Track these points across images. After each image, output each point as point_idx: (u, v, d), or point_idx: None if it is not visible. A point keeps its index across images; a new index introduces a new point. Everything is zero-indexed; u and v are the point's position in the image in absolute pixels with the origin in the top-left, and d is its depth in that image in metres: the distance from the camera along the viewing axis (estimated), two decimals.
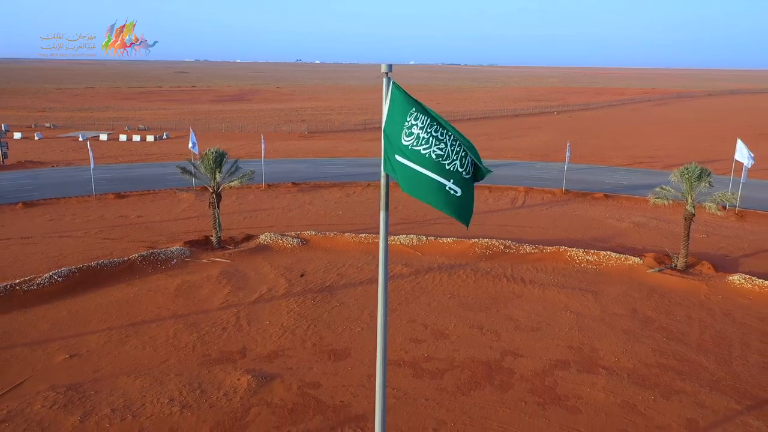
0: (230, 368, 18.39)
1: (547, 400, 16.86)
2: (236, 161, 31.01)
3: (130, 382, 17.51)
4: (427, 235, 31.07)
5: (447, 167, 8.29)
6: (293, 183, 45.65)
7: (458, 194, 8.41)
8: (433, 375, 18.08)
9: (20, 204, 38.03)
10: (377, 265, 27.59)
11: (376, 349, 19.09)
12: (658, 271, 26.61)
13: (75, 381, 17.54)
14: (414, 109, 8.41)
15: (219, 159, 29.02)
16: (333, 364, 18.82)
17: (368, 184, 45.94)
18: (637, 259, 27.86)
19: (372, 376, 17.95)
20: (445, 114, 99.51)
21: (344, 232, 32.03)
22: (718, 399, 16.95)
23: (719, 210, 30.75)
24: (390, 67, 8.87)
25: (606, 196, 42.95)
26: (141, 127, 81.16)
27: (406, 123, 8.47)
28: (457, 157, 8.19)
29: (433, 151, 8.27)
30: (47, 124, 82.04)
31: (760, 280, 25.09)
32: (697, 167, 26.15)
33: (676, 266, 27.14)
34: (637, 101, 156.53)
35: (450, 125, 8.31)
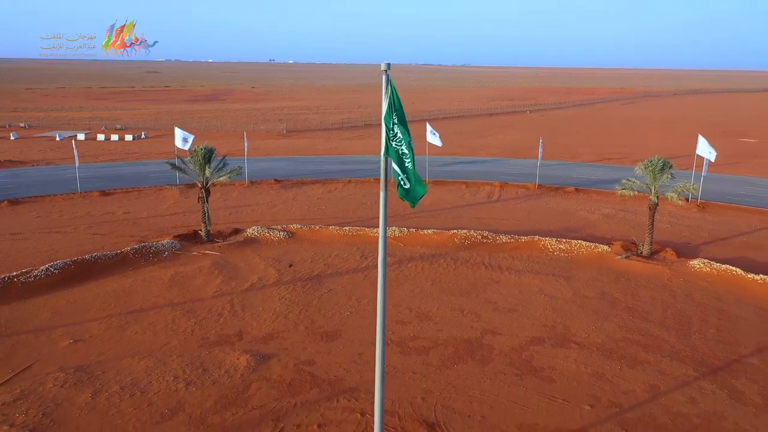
0: (229, 349, 19.56)
1: (524, 371, 18.40)
2: (224, 158, 32.00)
3: (134, 363, 18.57)
4: (408, 227, 32.51)
5: (405, 164, 9.94)
6: (276, 180, 46.68)
7: (406, 186, 10.16)
8: (419, 352, 19.49)
9: (5, 202, 38.41)
10: (364, 255, 29.02)
11: (364, 330, 20.67)
12: (625, 257, 28.44)
13: (82, 363, 18.52)
14: (398, 109, 9.93)
15: (208, 155, 30.04)
16: (325, 344, 20.11)
17: (349, 181, 47.22)
18: (605, 247, 29.68)
19: (363, 354, 19.31)
20: (420, 113, 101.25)
21: (329, 225, 33.30)
22: (678, 367, 18.69)
23: (681, 200, 32.80)
24: (389, 65, 10.27)
25: (577, 190, 44.92)
26: (118, 126, 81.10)
27: (394, 116, 9.95)
28: (412, 157, 9.92)
29: (402, 148, 9.89)
30: (22, 124, 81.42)
31: (717, 264, 27.09)
32: (660, 160, 28.05)
33: (641, 253, 29.01)
34: (606, 101, 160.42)
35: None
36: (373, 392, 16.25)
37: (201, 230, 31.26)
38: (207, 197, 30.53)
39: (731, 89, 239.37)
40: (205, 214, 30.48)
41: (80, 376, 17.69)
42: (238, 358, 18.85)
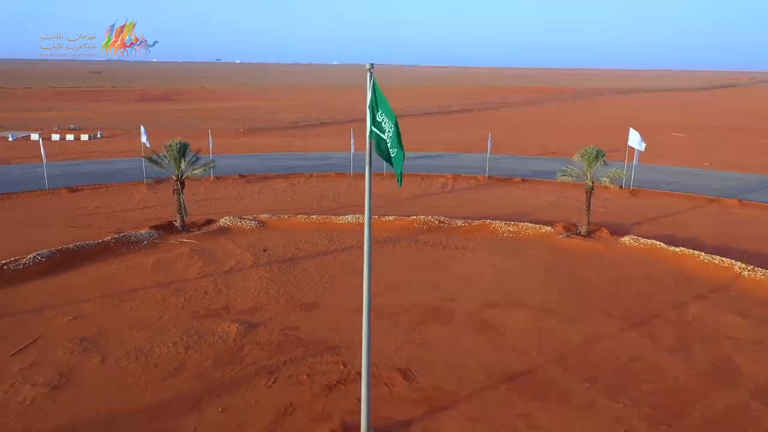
0: (219, 320, 21.80)
1: (480, 328, 21.38)
2: (197, 152, 33.90)
3: (135, 333, 20.60)
4: (378, 216, 35.15)
5: (393, 131, 12.41)
6: (240, 175, 48.57)
7: (394, 146, 12.45)
8: (390, 316, 22.20)
9: None
10: (332, 240, 31.57)
11: (339, 302, 23.36)
12: (566, 236, 31.93)
13: (85, 335, 20.42)
14: (383, 99, 12.54)
15: (182, 149, 31.93)
16: (305, 313, 22.59)
17: (311, 175, 49.56)
18: (549, 228, 33.13)
19: (339, 320, 21.89)
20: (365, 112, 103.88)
21: (296, 215, 35.65)
22: (609, 321, 22.04)
23: (614, 186, 36.63)
24: (372, 65, 12.91)
25: (523, 180, 48.59)
26: (72, 126, 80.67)
27: (383, 104, 12.56)
28: (392, 127, 12.34)
29: (387, 119, 12.41)
30: None
31: (644, 240, 30.88)
32: (593, 149, 31.65)
33: (580, 232, 32.58)
34: (549, 99, 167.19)
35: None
36: (353, 349, 19.06)
37: (176, 221, 33.09)
38: (182, 189, 32.41)
39: (668, 87, 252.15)
40: (180, 205, 32.36)
41: (86, 345, 19.63)
42: (228, 327, 21.12)
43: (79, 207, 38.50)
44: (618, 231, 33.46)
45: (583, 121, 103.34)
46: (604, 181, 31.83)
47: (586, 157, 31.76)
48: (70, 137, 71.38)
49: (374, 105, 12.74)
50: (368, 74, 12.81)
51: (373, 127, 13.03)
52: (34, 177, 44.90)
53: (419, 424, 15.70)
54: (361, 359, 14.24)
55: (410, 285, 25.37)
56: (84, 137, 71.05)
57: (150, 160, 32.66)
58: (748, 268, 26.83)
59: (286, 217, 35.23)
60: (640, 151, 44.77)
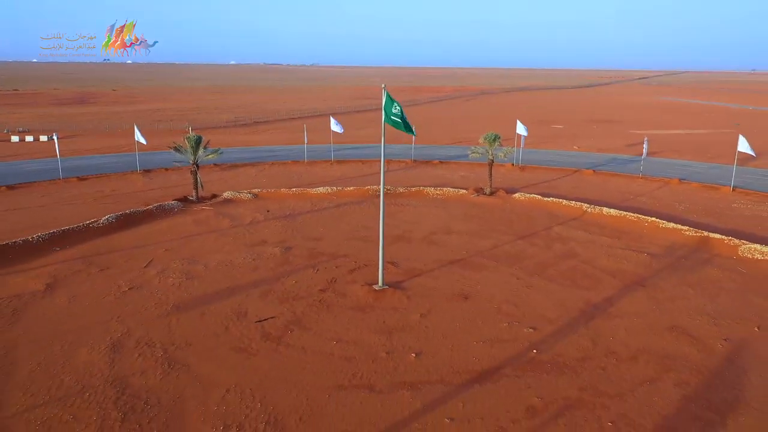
0: (264, 246, 33.48)
1: (429, 243, 34.55)
2: (207, 143, 44.66)
3: (215, 255, 31.91)
4: (333, 187, 47.57)
5: (402, 119, 25.24)
6: (215, 164, 59.01)
7: (407, 129, 25.32)
8: (370, 241, 34.82)
9: (3, 187, 47.32)
10: (313, 204, 43.67)
11: (337, 236, 36.78)
12: (476, 195, 45.91)
13: (183, 257, 31.46)
14: (394, 101, 25.33)
15: (198, 141, 42.77)
16: (317, 241, 34.73)
17: (273, 163, 60.94)
18: (464, 191, 47.04)
19: (341, 244, 34.21)
20: (297, 111, 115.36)
21: (280, 188, 47.34)
22: (506, 237, 35.92)
23: (506, 160, 51.13)
24: (384, 86, 25.59)
25: (440, 162, 62.65)
26: (20, 129, 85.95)
27: (393, 105, 25.33)
28: (405, 118, 25.24)
29: (397, 113, 25.19)
30: None
31: (528, 195, 45.54)
32: (493, 133, 45.87)
33: (486, 193, 46.69)
34: (451, 98, 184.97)
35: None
36: (355, 256, 31.59)
37: (190, 196, 43.80)
38: (198, 171, 43.20)
39: (551, 86, 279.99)
40: (197, 182, 43.16)
41: (189, 261, 30.79)
42: (273, 249, 32.90)
43: (96, 190, 47.86)
44: (511, 191, 47.95)
45: (480, 115, 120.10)
46: (501, 156, 46.16)
47: (487, 139, 45.91)
48: (29, 138, 77.51)
49: (388, 105, 25.40)
50: (383, 87, 25.51)
51: (393, 117, 25.62)
52: (31, 171, 53.08)
53: (406, 282, 28.52)
54: (363, 260, 26.89)
55: (377, 226, 37.97)
56: (43, 138, 77.39)
57: (176, 149, 43.12)
58: (591, 207, 41.93)
59: (272, 190, 46.83)
60: (525, 137, 60.00)
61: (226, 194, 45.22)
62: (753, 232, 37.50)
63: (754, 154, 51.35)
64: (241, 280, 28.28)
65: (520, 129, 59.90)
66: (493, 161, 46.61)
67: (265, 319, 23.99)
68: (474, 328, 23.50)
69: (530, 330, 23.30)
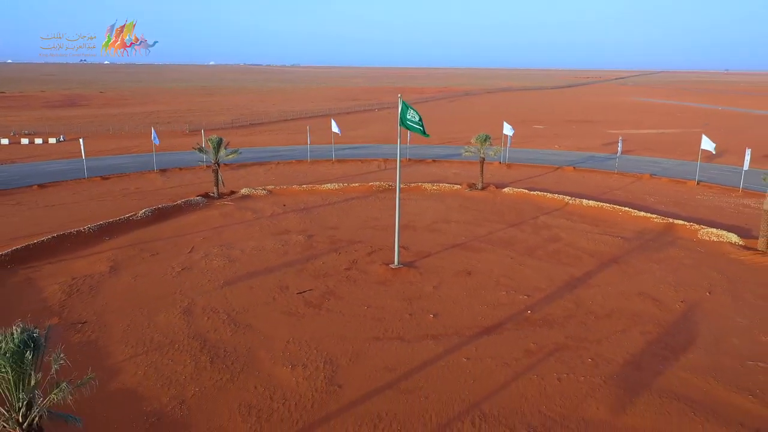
0: (289, 235, 38.14)
1: (432, 231, 39.51)
2: (227, 144, 49.08)
3: (247, 242, 36.51)
4: (340, 183, 52.36)
5: (420, 124, 30.24)
6: (225, 164, 63.24)
7: (422, 132, 30.30)
8: (380, 229, 39.63)
9: (35, 186, 51.26)
10: (324, 198, 48.43)
11: (351, 225, 42.28)
12: (469, 190, 51.00)
13: (221, 244, 36.01)
14: (410, 107, 30.28)
15: (219, 142, 47.25)
16: (334, 230, 39.47)
17: (278, 163, 65.47)
18: (458, 186, 52.12)
19: (356, 232, 38.99)
20: (285, 112, 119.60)
21: (291, 185, 51.97)
22: (499, 225, 41.02)
23: (494, 155, 56.29)
24: (400, 96, 30.50)
25: (434, 161, 67.72)
26: (26, 131, 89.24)
27: (408, 110, 30.27)
28: (422, 124, 30.23)
29: (415, 118, 30.16)
30: None
31: (516, 189, 50.74)
32: (484, 134, 50.98)
33: (478, 188, 51.80)
34: (436, 99, 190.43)
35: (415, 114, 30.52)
36: (371, 242, 36.43)
37: (212, 192, 48.23)
38: (219, 169, 47.66)
39: (531, 87, 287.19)
40: (218, 180, 47.63)
41: (227, 247, 35.36)
42: (297, 237, 37.58)
43: (122, 188, 52.03)
44: (500, 186, 53.13)
45: (463, 116, 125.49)
46: (491, 154, 51.32)
47: (479, 139, 51.03)
48: (38, 141, 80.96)
49: (404, 111, 30.28)
50: (399, 97, 30.40)
51: (409, 122, 30.47)
52: (52, 171, 56.99)
53: (417, 262, 33.40)
54: (377, 245, 31.80)
55: (386, 216, 42.98)
56: (52, 140, 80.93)
57: (200, 150, 47.52)
58: (572, 199, 47.24)
59: (284, 187, 51.47)
60: (510, 136, 65.30)
61: (244, 191, 49.74)
62: (712, 219, 43.09)
63: (714, 152, 57.11)
64: (276, 262, 32.96)
65: (507, 129, 65.17)
66: (484, 159, 51.74)
67: (304, 291, 28.74)
68: (478, 295, 28.50)
69: (524, 297, 28.36)
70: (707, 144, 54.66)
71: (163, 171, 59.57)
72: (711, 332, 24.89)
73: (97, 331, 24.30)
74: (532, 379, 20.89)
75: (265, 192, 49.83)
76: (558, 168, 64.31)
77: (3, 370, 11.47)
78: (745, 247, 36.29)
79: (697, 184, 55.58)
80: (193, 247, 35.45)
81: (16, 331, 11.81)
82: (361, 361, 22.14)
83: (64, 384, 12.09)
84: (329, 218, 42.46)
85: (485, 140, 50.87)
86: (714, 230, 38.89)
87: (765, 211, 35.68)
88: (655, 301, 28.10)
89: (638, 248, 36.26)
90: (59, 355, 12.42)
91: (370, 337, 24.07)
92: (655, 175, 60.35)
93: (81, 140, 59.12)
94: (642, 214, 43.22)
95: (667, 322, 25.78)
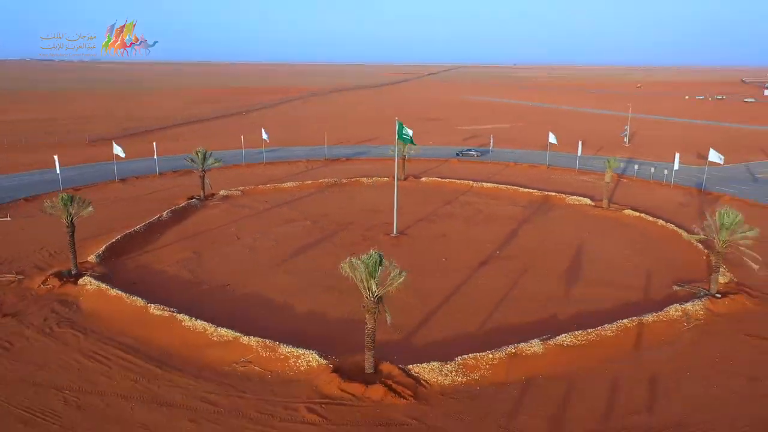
0: (295, 222, 50.42)
1: (372, 211, 54.44)
2: (211, 153, 58.72)
3: (273, 229, 48.26)
4: (294, 182, 64.79)
5: (411, 137, 45.25)
6: (173, 171, 71.43)
7: (412, 142, 45.43)
8: (362, 212, 53.52)
9: (21, 200, 56.37)
10: (292, 194, 61.09)
11: (337, 212, 56.35)
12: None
13: (253, 231, 47.35)
14: (404, 128, 45.16)
15: (204, 153, 57.18)
16: (326, 216, 52.45)
17: (220, 168, 74.94)
18: (387, 178, 67.30)
19: (345, 215, 52.46)
20: (164, 118, 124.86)
21: (257, 185, 63.19)
22: (439, 204, 57.09)
23: (416, 153, 72.33)
24: (397, 118, 45.07)
25: (347, 159, 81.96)
26: None
27: (405, 129, 45.10)
28: (410, 136, 45.28)
29: (408, 133, 45.12)
30: None
31: (431, 178, 67.37)
32: (409, 137, 66.71)
33: (402, 178, 67.51)
34: (291, 100, 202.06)
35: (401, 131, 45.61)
36: (362, 222, 50.72)
37: (198, 196, 57.92)
38: (204, 177, 57.54)
39: (355, 86, 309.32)
40: (204, 184, 57.47)
41: (261, 234, 46.86)
42: (304, 222, 50.11)
43: (106, 197, 59.06)
44: (417, 176, 69.18)
45: (330, 116, 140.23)
46: (411, 152, 67.35)
47: (405, 141, 66.60)
48: None
49: (401, 129, 44.94)
50: (396, 121, 44.98)
51: (404, 136, 45.22)
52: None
53: (405, 231, 48.12)
54: (368, 224, 46.36)
55: (354, 203, 56.76)
56: None
57: (191, 160, 56.86)
58: (476, 183, 64.95)
59: (252, 187, 62.55)
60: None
61: (222, 192, 60.03)
62: (568, 190, 63.34)
63: (556, 143, 79.14)
64: (309, 240, 45.58)
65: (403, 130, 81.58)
66: (405, 156, 67.50)
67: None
68: (462, 248, 44.20)
69: (489, 245, 44.67)
70: (553, 138, 76.23)
71: (123, 180, 66.58)
72: (599, 252, 43.30)
73: (249, 287, 35.77)
74: (518, 283, 37.20)
75: (239, 192, 60.59)
76: (445, 160, 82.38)
77: (362, 271, 24.45)
78: (595, 206, 56.44)
79: (548, 167, 76.96)
80: (237, 237, 46.40)
81: (375, 253, 24.77)
82: (426, 282, 36.65)
83: (396, 274, 24.85)
84: (313, 208, 55.14)
85: (410, 141, 66.50)
86: (574, 197, 58.87)
87: (606, 182, 56.16)
88: (563, 239, 46.16)
89: (535, 212, 54.70)
90: (392, 262, 25.15)
91: (418, 272, 38.61)
92: (516, 162, 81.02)
93: (155, 146, 63.76)
94: (526, 190, 62.23)
95: (575, 250, 43.76)
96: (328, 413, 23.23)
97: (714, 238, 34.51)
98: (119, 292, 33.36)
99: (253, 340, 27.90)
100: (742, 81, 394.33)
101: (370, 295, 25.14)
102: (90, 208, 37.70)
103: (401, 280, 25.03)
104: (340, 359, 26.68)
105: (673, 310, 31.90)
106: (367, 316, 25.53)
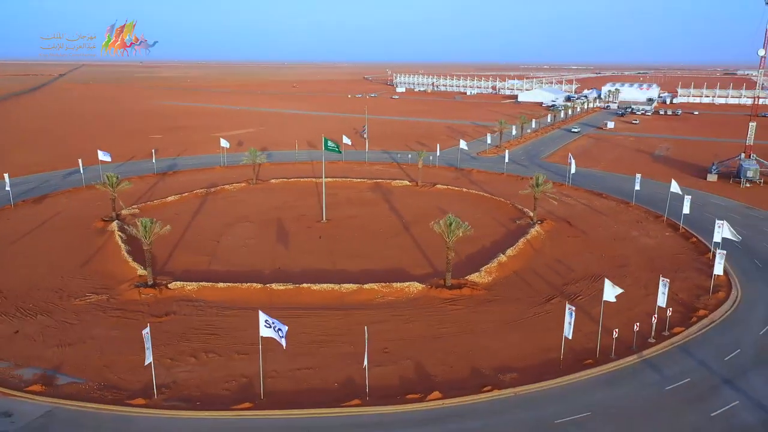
0: (241, 223, 62.26)
1: (311, 206, 70.14)
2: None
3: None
4: (177, 195, 73.27)
5: (338, 148, 62.87)
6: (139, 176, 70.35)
7: (341, 154, 63.21)
8: (282, 208, 67.71)
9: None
10: (188, 202, 70.92)
11: (261, 211, 69.35)
12: (256, 181, 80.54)
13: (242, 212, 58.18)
14: (329, 140, 62.56)
15: (117, 177, 62.55)
16: (255, 215, 65.16)
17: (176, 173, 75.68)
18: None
19: (268, 214, 66.04)
20: None
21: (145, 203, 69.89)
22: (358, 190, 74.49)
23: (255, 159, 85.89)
24: (323, 136, 61.92)
25: (236, 166, 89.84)
26: None
27: (328, 141, 62.45)
28: (337, 146, 63.02)
29: (331, 144, 62.65)
30: None
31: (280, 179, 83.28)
32: (335, 145, 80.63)
33: (252, 183, 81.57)
34: None
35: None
36: (287, 216, 66.25)
37: (111, 215, 62.95)
38: (117, 197, 62.85)
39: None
40: (114, 204, 62.83)
41: (275, 210, 58.08)
42: (246, 222, 62.37)
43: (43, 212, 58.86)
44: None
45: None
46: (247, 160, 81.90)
47: (331, 149, 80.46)
48: None
49: (326, 142, 62.02)
50: (323, 137, 61.79)
51: (330, 147, 62.39)
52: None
53: (329, 215, 65.11)
54: (294, 216, 63.25)
55: (244, 207, 69.92)
56: None
57: (104, 185, 61.27)
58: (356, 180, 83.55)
59: (143, 204, 69.07)
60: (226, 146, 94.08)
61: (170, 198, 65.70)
62: (386, 177, 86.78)
63: (352, 142, 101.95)
64: (273, 231, 59.02)
65: (328, 143, 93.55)
66: (259, 163, 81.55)
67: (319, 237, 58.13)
68: (375, 222, 63.73)
69: (393, 217, 65.21)
70: (345, 140, 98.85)
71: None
72: (457, 211, 68.23)
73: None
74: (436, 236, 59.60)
75: (137, 209, 67.00)
76: (260, 165, 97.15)
77: (449, 228, 43.41)
78: (415, 186, 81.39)
79: (345, 162, 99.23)
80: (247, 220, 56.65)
81: (450, 216, 43.66)
82: (332, 246, 55.72)
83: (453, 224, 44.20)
84: (231, 211, 66.34)
85: (337, 151, 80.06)
86: (396, 181, 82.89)
87: (420, 168, 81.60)
88: (429, 206, 69.52)
89: (384, 194, 76.70)
90: (461, 223, 44.27)
91: (369, 235, 57.27)
92: (316, 160, 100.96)
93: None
94: (359, 180, 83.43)
95: (449, 211, 67.70)
96: (445, 306, 42.19)
97: (535, 192, 62.59)
98: (207, 284, 44.63)
99: (376, 285, 44.04)
100: (364, 78, 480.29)
101: (449, 239, 44.42)
102: (168, 227, 45.84)
103: (460, 232, 44.90)
104: (426, 283, 45.13)
105: (533, 229, 58.71)
106: (447, 251, 44.69)
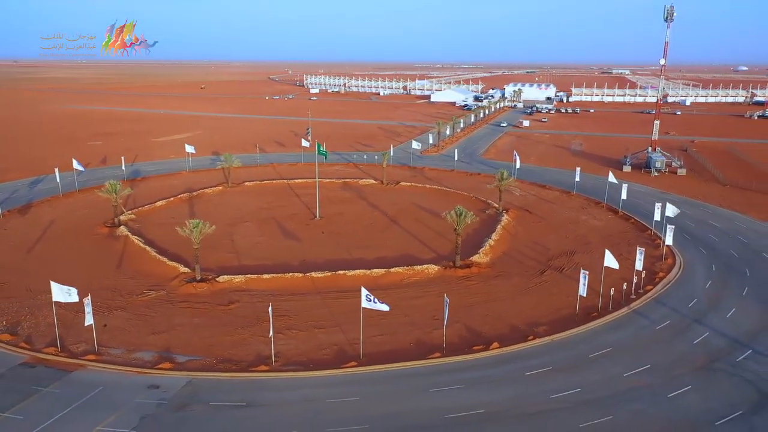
0: (245, 221, 67.13)
1: (297, 206, 75.72)
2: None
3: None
4: (165, 199, 76.37)
5: (325, 151, 69.48)
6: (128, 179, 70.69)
7: (325, 156, 69.80)
8: (269, 208, 72.95)
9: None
10: (178, 205, 74.73)
11: (257, 211, 75.06)
12: (224, 188, 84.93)
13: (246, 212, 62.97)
14: (322, 146, 69.11)
15: (117, 184, 65.32)
16: (250, 215, 70.12)
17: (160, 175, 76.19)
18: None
19: (263, 213, 71.23)
20: None
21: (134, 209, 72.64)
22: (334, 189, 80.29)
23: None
24: (318, 142, 68.27)
25: (213, 169, 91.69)
26: None
27: (320, 145, 68.97)
28: (324, 152, 69.66)
29: (321, 149, 69.25)
30: None
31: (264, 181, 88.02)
32: (230, 155, 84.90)
33: (228, 186, 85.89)
34: None
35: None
36: (280, 215, 72.13)
37: (114, 220, 65.69)
38: (119, 202, 65.61)
39: None
40: (117, 208, 65.69)
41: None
42: (246, 222, 67.33)
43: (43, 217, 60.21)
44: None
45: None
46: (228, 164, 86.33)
47: (320, 152, 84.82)
48: None
49: (318, 147, 68.47)
50: (317, 144, 68.14)
51: (322, 151, 68.88)
52: None
53: (321, 214, 71.36)
54: (287, 215, 69.61)
55: (235, 209, 74.69)
56: None
57: (106, 190, 63.85)
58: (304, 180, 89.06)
59: (138, 209, 71.81)
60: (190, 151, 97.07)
61: (130, 215, 68.36)
62: (351, 176, 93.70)
63: (308, 141, 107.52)
64: (274, 227, 64.52)
65: (320, 148, 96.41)
66: (230, 166, 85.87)
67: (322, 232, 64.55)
68: (361, 217, 70.93)
69: (376, 213, 72.64)
70: (304, 143, 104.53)
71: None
72: (431, 205, 76.73)
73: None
74: (427, 224, 67.88)
75: (133, 216, 69.83)
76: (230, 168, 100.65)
77: (458, 218, 51.60)
78: (380, 184, 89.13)
79: (303, 164, 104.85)
80: (246, 220, 61.36)
81: (459, 207, 51.75)
82: (337, 240, 63.36)
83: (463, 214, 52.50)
84: (226, 213, 70.79)
85: (324, 155, 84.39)
86: (364, 180, 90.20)
87: (384, 169, 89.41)
88: (401, 201, 77.50)
89: (356, 192, 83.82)
90: (468, 213, 52.50)
91: (361, 227, 64.63)
92: (280, 162, 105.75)
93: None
94: (329, 180, 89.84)
95: (423, 206, 75.86)
96: (463, 282, 50.61)
97: (500, 185, 72.41)
98: (253, 276, 50.29)
99: (400, 269, 51.39)
100: (269, 78, 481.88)
101: (459, 227, 52.76)
102: (213, 226, 50.70)
103: (468, 220, 53.37)
104: (440, 265, 53.13)
105: (503, 218, 68.43)
106: (457, 237, 52.96)
